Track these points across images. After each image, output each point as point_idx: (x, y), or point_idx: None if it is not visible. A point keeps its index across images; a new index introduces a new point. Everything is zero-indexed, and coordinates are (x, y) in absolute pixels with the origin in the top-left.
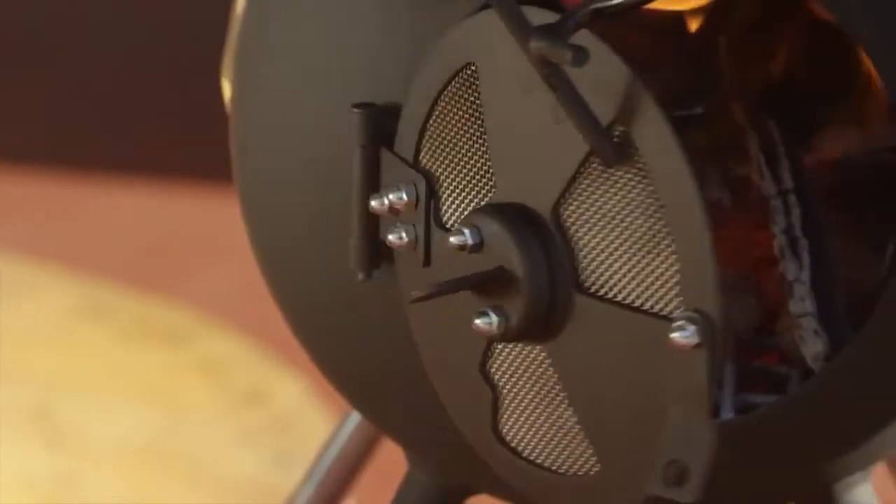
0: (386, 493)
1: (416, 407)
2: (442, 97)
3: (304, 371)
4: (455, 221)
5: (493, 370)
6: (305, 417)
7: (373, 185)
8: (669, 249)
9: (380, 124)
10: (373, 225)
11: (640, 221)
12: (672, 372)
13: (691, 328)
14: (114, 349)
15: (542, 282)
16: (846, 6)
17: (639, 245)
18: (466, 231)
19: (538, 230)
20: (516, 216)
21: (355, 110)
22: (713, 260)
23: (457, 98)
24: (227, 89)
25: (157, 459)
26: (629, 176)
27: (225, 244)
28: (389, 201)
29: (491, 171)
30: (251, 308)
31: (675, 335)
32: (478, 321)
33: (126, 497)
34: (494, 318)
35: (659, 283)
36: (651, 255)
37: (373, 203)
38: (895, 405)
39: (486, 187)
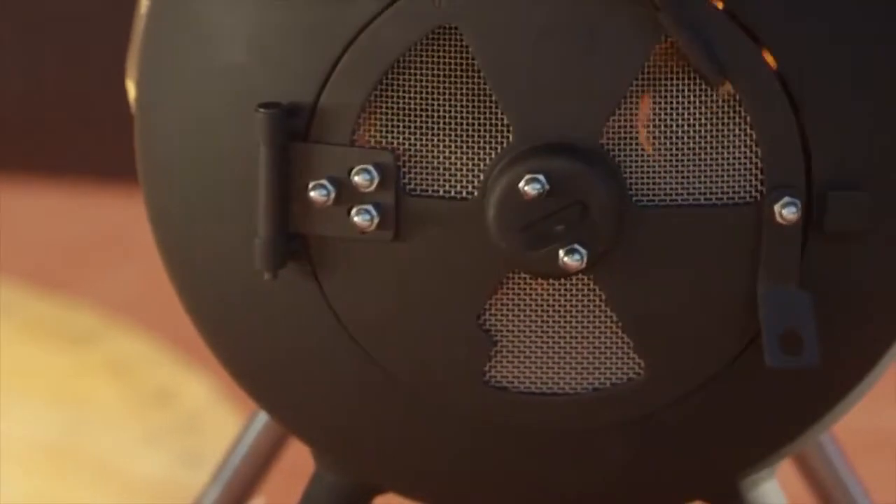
0: (294, 493)
1: (323, 406)
2: (390, 74)
3: (211, 371)
4: (427, 189)
5: (489, 319)
6: (213, 417)
7: (282, 182)
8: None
9: (286, 123)
10: (281, 223)
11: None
12: (767, 250)
13: (796, 202)
14: (20, 349)
15: (616, 208)
16: None
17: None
18: (541, 177)
19: (594, 159)
20: (571, 151)
21: (261, 111)
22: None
23: (415, 69)
24: (131, 89)
25: (63, 459)
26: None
27: (132, 244)
28: (355, 183)
29: (497, 122)
30: (158, 308)
31: (782, 211)
32: (567, 259)
33: (32, 497)
34: (583, 252)
35: (735, 173)
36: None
37: (312, 194)
38: (799, 402)
39: (489, 141)
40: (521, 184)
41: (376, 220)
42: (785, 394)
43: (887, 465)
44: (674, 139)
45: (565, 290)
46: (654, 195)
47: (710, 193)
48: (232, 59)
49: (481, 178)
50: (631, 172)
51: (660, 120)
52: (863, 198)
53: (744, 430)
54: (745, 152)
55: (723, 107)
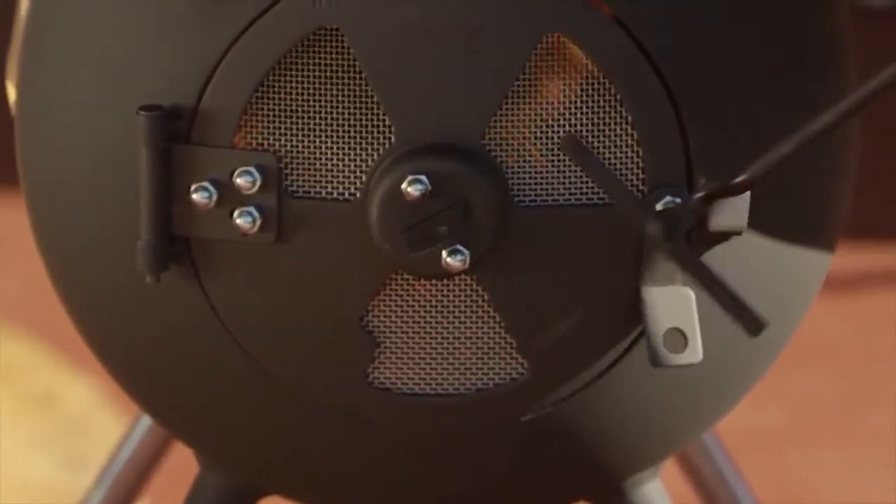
0: (178, 495)
1: (206, 409)
2: (271, 75)
3: (95, 374)
4: (310, 190)
5: (372, 321)
6: (97, 420)
7: (164, 184)
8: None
9: (167, 125)
10: (163, 225)
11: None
12: (649, 249)
13: (676, 201)
14: None
15: (499, 208)
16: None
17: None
18: (423, 177)
19: (476, 159)
20: (454, 152)
21: (142, 113)
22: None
23: (297, 70)
24: (11, 92)
25: None
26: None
27: (13, 248)
28: (237, 185)
29: (379, 123)
30: (41, 311)
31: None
32: (450, 259)
33: None
34: (466, 252)
35: (616, 173)
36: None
37: (194, 197)
38: (683, 401)
39: (371, 142)
40: (404, 185)
41: (259, 222)
42: (669, 392)
43: (769, 462)
44: (556, 139)
45: (448, 290)
46: (536, 195)
47: (593, 193)
48: (112, 61)
49: (363, 179)
50: (513, 173)
51: (542, 120)
52: (742, 196)
53: (628, 430)
54: (627, 152)
55: (604, 107)
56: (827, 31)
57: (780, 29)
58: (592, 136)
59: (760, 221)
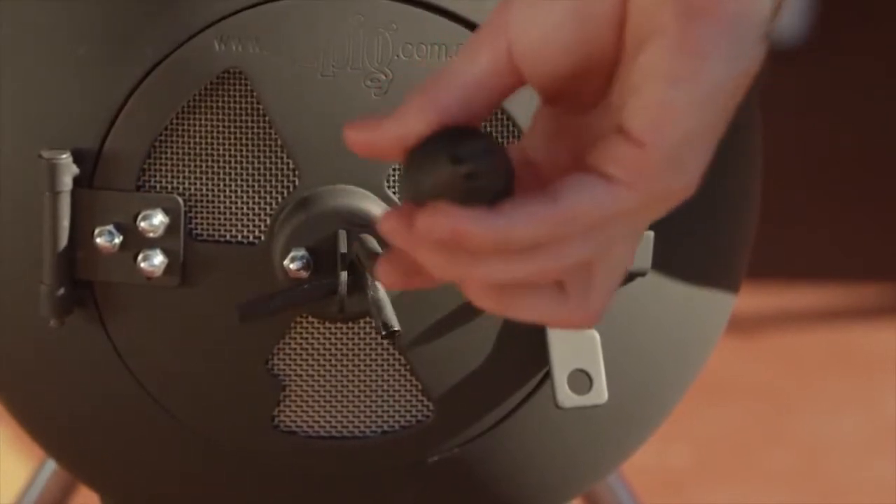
0: None
1: (111, 453)
2: (176, 119)
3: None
4: (214, 234)
5: (277, 364)
6: (2, 464)
7: (67, 228)
8: None
9: (70, 169)
10: (66, 270)
11: None
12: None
13: None
14: None
15: None
16: None
17: None
18: (304, 253)
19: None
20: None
21: (44, 157)
22: None
23: (202, 113)
24: None
25: None
26: None
27: None
28: (141, 229)
29: (283, 166)
30: None
31: None
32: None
33: None
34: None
35: None
36: None
37: (98, 241)
38: (589, 442)
39: (276, 185)
40: (286, 262)
41: (163, 266)
42: (575, 433)
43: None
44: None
45: (353, 333)
46: None
47: None
48: (15, 105)
49: (268, 222)
50: None
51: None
52: (646, 236)
53: (533, 471)
54: None
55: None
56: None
57: None
58: None
59: (665, 263)
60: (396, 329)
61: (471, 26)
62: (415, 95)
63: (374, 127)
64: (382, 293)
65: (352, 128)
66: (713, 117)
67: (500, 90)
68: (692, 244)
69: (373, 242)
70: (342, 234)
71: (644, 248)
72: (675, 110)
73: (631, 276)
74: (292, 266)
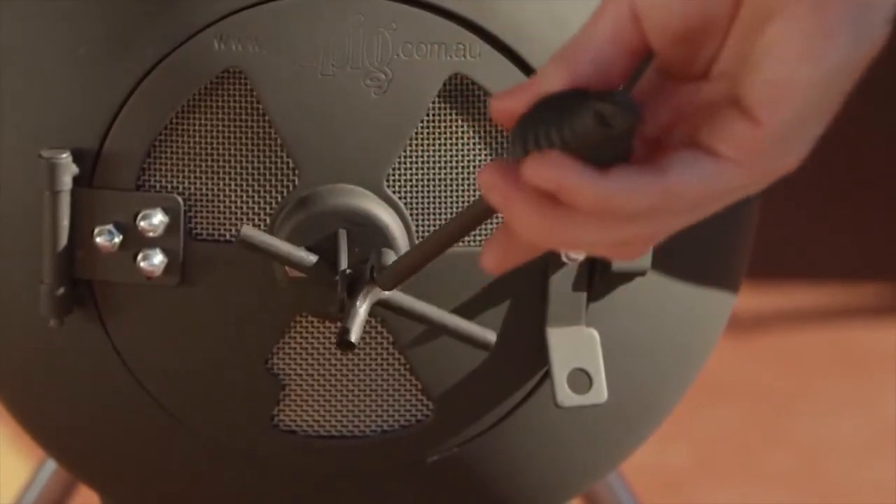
0: None
1: (110, 452)
2: (176, 118)
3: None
4: (214, 233)
5: (277, 363)
6: (2, 464)
7: (67, 228)
8: None
9: (70, 168)
10: (66, 269)
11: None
12: (553, 290)
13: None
14: None
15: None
16: None
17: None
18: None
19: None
20: (348, 213)
21: (44, 157)
22: None
23: (201, 113)
24: None
25: None
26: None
27: None
28: (141, 228)
29: (283, 165)
30: None
31: (568, 252)
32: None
33: None
34: None
35: None
36: None
37: (97, 240)
38: (589, 440)
39: (276, 184)
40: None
41: (163, 265)
42: (574, 432)
43: (675, 501)
44: (459, 180)
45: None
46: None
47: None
48: (15, 104)
49: (268, 221)
50: (415, 214)
51: (445, 162)
52: None
53: (533, 471)
54: None
55: (508, 148)
56: None
57: None
58: None
59: (665, 263)
60: (353, 343)
61: (471, 26)
62: (551, 59)
63: (515, 92)
64: (365, 307)
65: (496, 98)
66: (830, 98)
67: (627, 49)
68: (692, 244)
69: (390, 255)
70: (342, 234)
71: None
72: (796, 90)
73: (631, 276)
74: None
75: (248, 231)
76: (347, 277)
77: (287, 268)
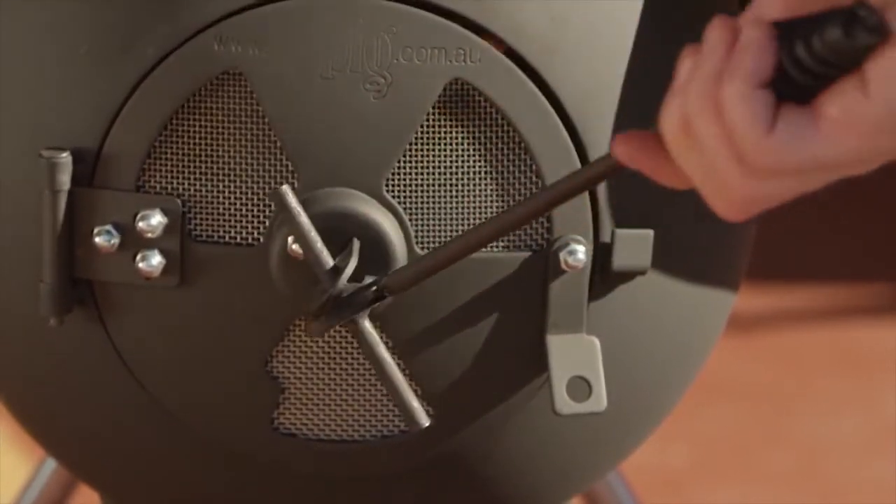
0: None
1: (110, 452)
2: (175, 119)
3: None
4: (213, 235)
5: (276, 366)
6: (2, 462)
7: (67, 227)
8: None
9: (70, 168)
10: (66, 268)
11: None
12: (554, 297)
13: (583, 248)
14: None
15: (401, 254)
16: None
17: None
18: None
19: (378, 206)
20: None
21: (44, 156)
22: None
23: (201, 114)
24: None
25: None
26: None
27: None
28: (140, 229)
29: (282, 168)
30: None
31: (568, 259)
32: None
33: None
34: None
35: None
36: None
37: (97, 240)
38: (588, 445)
39: (275, 187)
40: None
41: (161, 266)
42: (574, 434)
43: (674, 501)
44: (458, 186)
45: (353, 336)
46: (438, 241)
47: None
48: (15, 104)
49: (266, 224)
50: (414, 217)
51: (445, 167)
52: (646, 234)
53: (532, 473)
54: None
55: (508, 155)
56: None
57: None
58: (496, 183)
59: (664, 261)
60: (322, 326)
61: (471, 29)
62: None
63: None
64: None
65: (716, 22)
66: None
67: None
68: (692, 244)
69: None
70: (356, 244)
71: (643, 247)
72: None
73: (630, 275)
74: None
75: (285, 190)
76: (339, 274)
77: (289, 247)
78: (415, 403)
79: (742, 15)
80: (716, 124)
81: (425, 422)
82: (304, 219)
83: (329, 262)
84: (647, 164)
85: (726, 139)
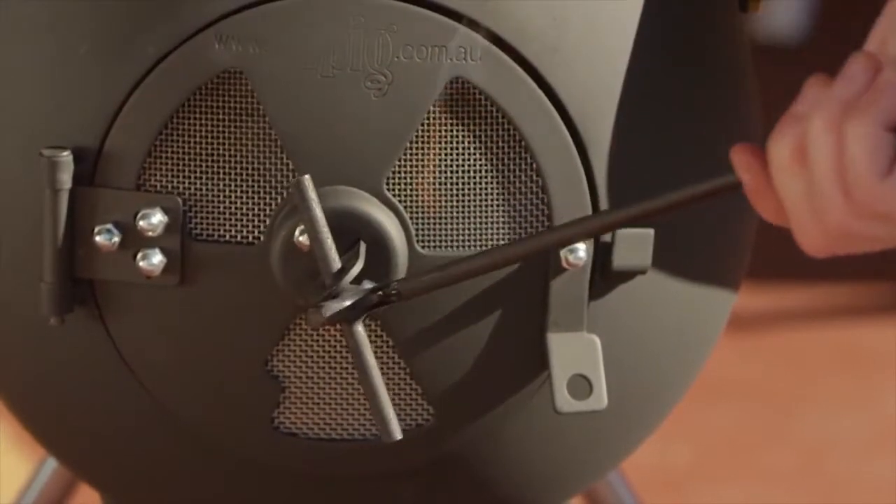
0: None
1: (110, 451)
2: (175, 118)
3: (0, 417)
4: (214, 233)
5: (277, 365)
6: (3, 463)
7: (67, 226)
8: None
9: (71, 167)
10: (66, 267)
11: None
12: (554, 296)
13: (584, 246)
14: None
15: (401, 254)
16: None
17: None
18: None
19: (379, 205)
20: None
21: (45, 155)
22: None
23: (201, 113)
24: None
25: None
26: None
27: None
28: (140, 228)
29: (283, 167)
30: None
31: (569, 257)
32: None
33: None
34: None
35: (521, 220)
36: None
37: (97, 239)
38: (589, 443)
39: (275, 185)
40: (296, 234)
41: (162, 265)
42: (575, 433)
43: (675, 500)
44: (459, 185)
45: (342, 336)
46: (439, 241)
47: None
48: (16, 103)
49: (267, 222)
50: (415, 217)
51: (445, 165)
52: (646, 234)
53: (533, 472)
54: (532, 199)
55: (509, 153)
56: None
57: (693, 84)
58: (497, 182)
59: (665, 261)
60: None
61: (472, 28)
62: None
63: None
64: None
65: (861, 55)
66: None
67: None
68: (692, 244)
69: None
70: (363, 246)
71: (644, 246)
72: None
73: (631, 275)
74: (302, 239)
75: (307, 181)
76: (344, 274)
77: (296, 238)
78: (391, 415)
79: (881, 50)
80: (833, 155)
81: (398, 435)
82: (319, 213)
83: (336, 261)
84: (755, 180)
85: (840, 171)
